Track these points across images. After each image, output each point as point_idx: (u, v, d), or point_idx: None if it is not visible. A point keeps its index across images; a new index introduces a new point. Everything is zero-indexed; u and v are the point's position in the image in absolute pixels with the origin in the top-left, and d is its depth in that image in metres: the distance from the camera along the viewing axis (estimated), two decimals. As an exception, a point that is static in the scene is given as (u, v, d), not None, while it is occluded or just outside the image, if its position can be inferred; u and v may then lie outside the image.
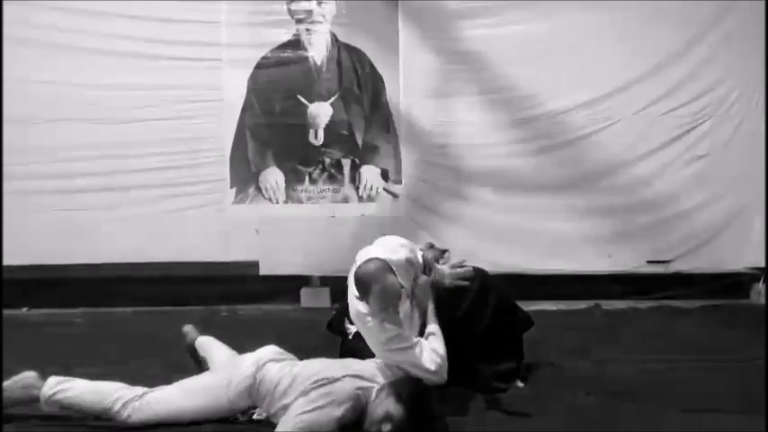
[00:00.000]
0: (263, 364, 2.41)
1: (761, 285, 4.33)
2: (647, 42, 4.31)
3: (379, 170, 4.42)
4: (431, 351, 2.46)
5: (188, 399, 2.40)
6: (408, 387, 2.29)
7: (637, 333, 3.72)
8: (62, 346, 3.46)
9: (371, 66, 4.38)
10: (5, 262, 4.02)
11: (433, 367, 2.42)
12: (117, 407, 2.35)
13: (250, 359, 2.46)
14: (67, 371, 2.70)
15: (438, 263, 2.71)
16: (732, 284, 4.38)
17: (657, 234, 4.40)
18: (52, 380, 2.41)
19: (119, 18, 4.20)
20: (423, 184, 4.39)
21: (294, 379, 2.35)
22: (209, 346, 2.91)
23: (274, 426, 2.28)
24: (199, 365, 2.85)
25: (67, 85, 4.21)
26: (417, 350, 2.43)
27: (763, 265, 4.31)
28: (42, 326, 3.89)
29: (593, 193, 4.38)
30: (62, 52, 4.20)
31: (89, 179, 4.27)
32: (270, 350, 2.53)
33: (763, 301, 4.30)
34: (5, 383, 2.41)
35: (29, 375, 2.42)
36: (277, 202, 4.39)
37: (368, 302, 2.41)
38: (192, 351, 2.97)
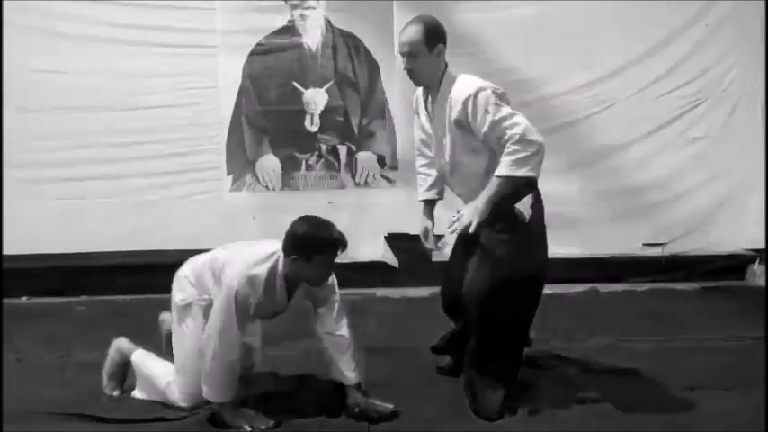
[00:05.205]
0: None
1: (756, 266, 4.34)
2: (642, 25, 4.30)
3: (375, 156, 4.42)
4: None
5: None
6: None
7: (634, 315, 3.74)
8: (67, 332, 3.52)
9: (366, 51, 4.37)
10: (5, 251, 4.03)
11: None
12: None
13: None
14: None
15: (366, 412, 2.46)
16: (728, 266, 4.38)
17: (653, 217, 4.40)
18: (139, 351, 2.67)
19: (114, 5, 4.20)
20: (419, 170, 4.38)
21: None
22: None
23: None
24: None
25: (62, 73, 4.21)
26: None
27: (759, 246, 4.31)
28: (45, 314, 3.91)
29: (589, 177, 4.38)
30: (58, 39, 4.20)
31: (86, 167, 4.28)
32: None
33: (759, 282, 4.32)
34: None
35: (121, 341, 2.74)
36: (274, 190, 4.39)
37: None
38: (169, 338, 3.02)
